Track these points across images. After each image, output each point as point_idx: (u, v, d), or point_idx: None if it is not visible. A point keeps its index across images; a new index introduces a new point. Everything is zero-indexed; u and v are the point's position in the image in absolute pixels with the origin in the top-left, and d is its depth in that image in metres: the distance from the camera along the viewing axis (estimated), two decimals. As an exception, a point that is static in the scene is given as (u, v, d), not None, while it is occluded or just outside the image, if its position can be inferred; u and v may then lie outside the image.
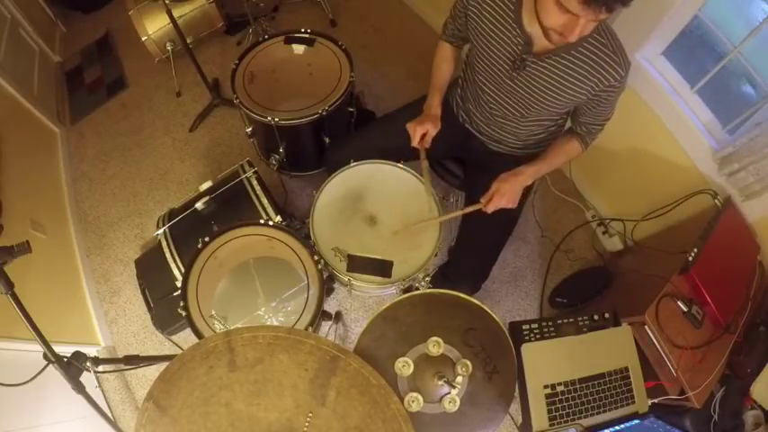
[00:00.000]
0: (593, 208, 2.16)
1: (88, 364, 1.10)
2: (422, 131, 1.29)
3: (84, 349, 1.14)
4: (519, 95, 1.23)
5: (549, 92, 1.18)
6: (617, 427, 1.11)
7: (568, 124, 1.36)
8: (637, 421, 1.13)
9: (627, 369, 1.15)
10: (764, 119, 1.36)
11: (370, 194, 1.39)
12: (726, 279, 1.41)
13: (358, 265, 1.29)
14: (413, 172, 1.41)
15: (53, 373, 1.03)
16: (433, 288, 1.18)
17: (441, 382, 0.93)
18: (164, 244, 1.58)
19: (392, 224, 1.34)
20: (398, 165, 1.41)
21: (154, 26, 2.38)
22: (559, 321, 1.19)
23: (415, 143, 1.31)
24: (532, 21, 1.04)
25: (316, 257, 1.27)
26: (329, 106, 1.65)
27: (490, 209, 1.22)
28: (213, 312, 1.29)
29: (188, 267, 1.30)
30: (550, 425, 1.09)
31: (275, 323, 1.39)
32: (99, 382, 1.83)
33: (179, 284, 1.30)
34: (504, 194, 1.20)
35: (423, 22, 2.74)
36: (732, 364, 1.34)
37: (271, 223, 1.35)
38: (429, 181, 1.35)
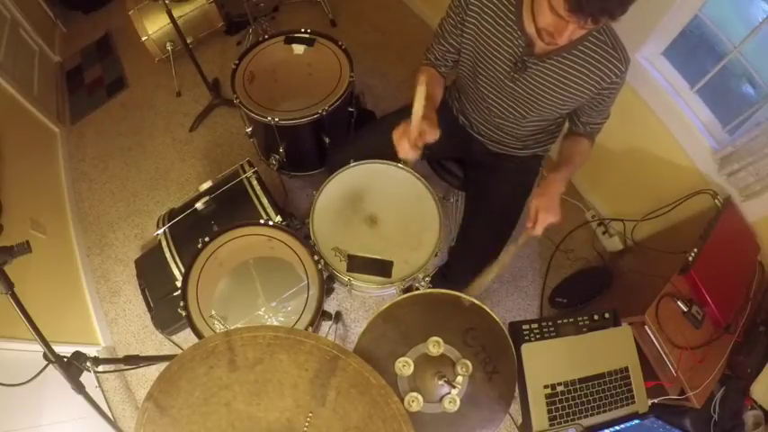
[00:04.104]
0: (593, 208, 2.16)
1: (88, 364, 1.10)
2: (417, 131, 1.12)
3: (84, 349, 1.14)
4: (520, 97, 1.23)
5: (552, 92, 1.18)
6: (617, 427, 1.11)
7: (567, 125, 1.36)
8: (637, 421, 1.13)
9: (627, 369, 1.15)
10: (764, 119, 1.36)
11: (370, 194, 1.39)
12: (726, 279, 1.41)
13: (358, 265, 1.29)
14: (413, 172, 1.41)
15: (53, 373, 1.04)
16: (433, 288, 1.18)
17: (441, 382, 0.93)
18: (164, 244, 1.58)
19: (392, 224, 1.34)
20: (398, 165, 1.41)
21: (154, 26, 2.38)
22: (559, 321, 1.19)
23: (405, 152, 1.14)
24: (531, 22, 1.04)
25: (316, 257, 1.27)
26: (329, 106, 1.65)
27: (539, 229, 1.17)
28: (213, 312, 1.29)
29: (188, 267, 1.30)
30: (550, 425, 1.09)
31: (275, 323, 1.39)
32: (99, 382, 1.83)
33: (179, 284, 1.30)
34: (547, 209, 1.15)
35: (423, 22, 2.74)
36: (732, 364, 1.35)
37: (271, 223, 1.35)
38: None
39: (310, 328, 1.22)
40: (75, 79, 2.73)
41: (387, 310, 0.98)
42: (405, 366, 0.94)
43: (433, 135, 1.15)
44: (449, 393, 0.93)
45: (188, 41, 2.23)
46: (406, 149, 1.15)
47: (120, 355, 1.38)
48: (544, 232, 1.17)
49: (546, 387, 1.10)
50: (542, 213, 1.15)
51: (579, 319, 1.20)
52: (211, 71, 2.53)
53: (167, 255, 1.57)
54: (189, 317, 1.24)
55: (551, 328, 1.17)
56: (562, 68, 1.13)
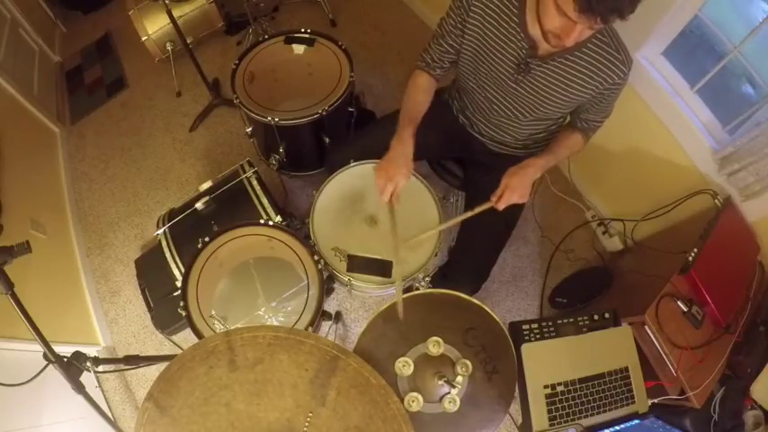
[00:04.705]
0: (594, 208, 2.16)
1: (88, 364, 1.10)
2: (392, 188, 1.15)
3: (84, 349, 1.14)
4: (523, 98, 1.23)
5: (555, 94, 1.18)
6: (617, 427, 1.11)
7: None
8: (637, 421, 1.13)
9: (627, 369, 1.15)
10: (764, 119, 1.36)
11: (371, 194, 1.39)
12: (726, 279, 1.41)
13: (358, 265, 1.29)
14: (412, 172, 1.40)
15: (53, 373, 1.03)
16: (433, 288, 1.18)
17: (441, 382, 0.93)
18: (164, 244, 1.58)
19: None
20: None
21: (154, 26, 2.38)
22: (559, 321, 1.19)
23: (385, 200, 1.17)
24: (535, 24, 1.04)
25: (316, 257, 1.27)
26: (329, 106, 1.65)
27: (501, 205, 1.18)
28: (213, 312, 1.29)
29: (188, 267, 1.30)
30: (550, 425, 1.09)
31: (275, 323, 1.39)
32: (99, 382, 1.83)
33: (179, 284, 1.30)
34: (515, 189, 1.17)
35: (422, 23, 2.74)
36: (732, 364, 1.35)
37: (271, 223, 1.35)
38: (396, 242, 1.19)
39: (310, 328, 1.22)
40: (75, 79, 2.73)
41: (387, 310, 0.98)
42: (405, 366, 0.94)
43: (407, 179, 1.18)
44: (449, 393, 0.93)
45: (188, 41, 2.22)
46: (387, 196, 1.16)
47: (120, 355, 1.38)
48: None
49: (546, 387, 1.10)
50: (508, 192, 1.17)
51: (579, 319, 1.20)
52: (211, 71, 2.53)
53: (167, 255, 1.57)
54: (189, 317, 1.24)
55: (551, 328, 1.17)
56: (565, 70, 1.13)
